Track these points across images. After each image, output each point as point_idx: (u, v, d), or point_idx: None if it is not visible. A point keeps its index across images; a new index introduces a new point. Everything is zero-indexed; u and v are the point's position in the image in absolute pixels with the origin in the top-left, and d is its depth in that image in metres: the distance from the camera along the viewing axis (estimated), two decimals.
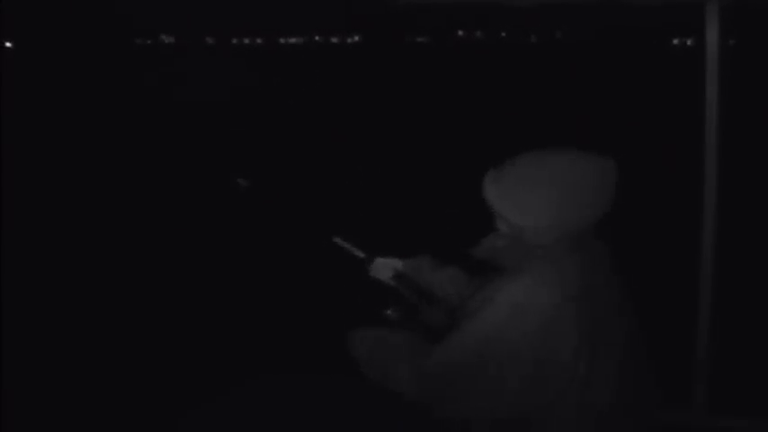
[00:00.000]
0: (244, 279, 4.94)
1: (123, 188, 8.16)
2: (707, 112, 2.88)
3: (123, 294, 4.71)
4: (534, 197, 1.66)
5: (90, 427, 3.31)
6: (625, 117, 14.47)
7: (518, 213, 1.68)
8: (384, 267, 2.18)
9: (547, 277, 1.66)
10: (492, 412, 1.71)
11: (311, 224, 2.23)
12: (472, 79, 26.95)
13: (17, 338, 3.84)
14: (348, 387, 3.54)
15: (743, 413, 3.08)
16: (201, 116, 15.42)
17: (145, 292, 4.77)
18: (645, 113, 14.68)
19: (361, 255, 2.21)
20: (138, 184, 8.46)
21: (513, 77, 27.46)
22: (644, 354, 1.82)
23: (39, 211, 6.96)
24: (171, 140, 11.70)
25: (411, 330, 1.96)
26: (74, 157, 10.27)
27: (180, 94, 21.21)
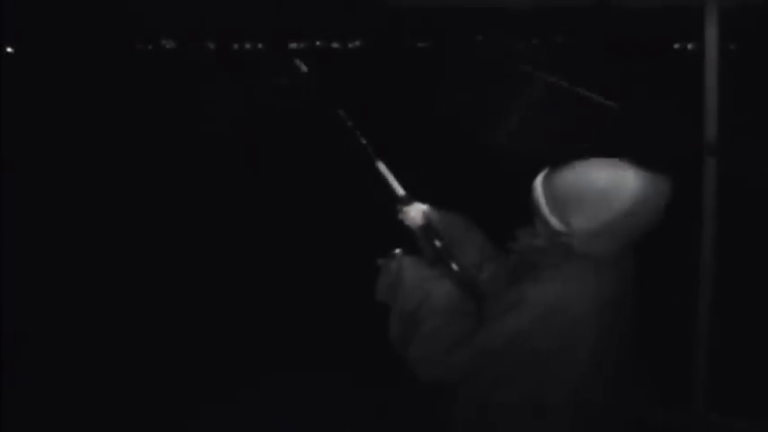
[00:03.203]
0: (249, 281, 4.94)
1: (124, 192, 8.15)
2: (706, 114, 2.89)
3: (126, 295, 4.71)
4: (584, 208, 1.66)
5: (90, 429, 3.32)
6: (626, 119, 14.43)
7: (565, 221, 1.69)
8: (418, 213, 2.09)
9: (585, 285, 1.69)
10: (502, 401, 1.77)
11: (359, 139, 2.10)
12: (474, 83, 26.87)
13: (18, 340, 3.85)
14: (353, 387, 3.56)
15: (742, 414, 3.09)
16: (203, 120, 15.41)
17: (147, 292, 4.77)
18: (645, 114, 14.64)
19: (401, 191, 2.10)
20: (138, 187, 8.45)
21: (514, 81, 27.37)
22: (633, 357, 1.85)
23: (40, 213, 6.95)
24: (172, 145, 11.69)
25: None
26: (74, 161, 10.26)
27: (182, 98, 21.19)
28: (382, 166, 2.10)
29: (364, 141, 2.11)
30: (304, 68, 2.19)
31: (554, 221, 1.70)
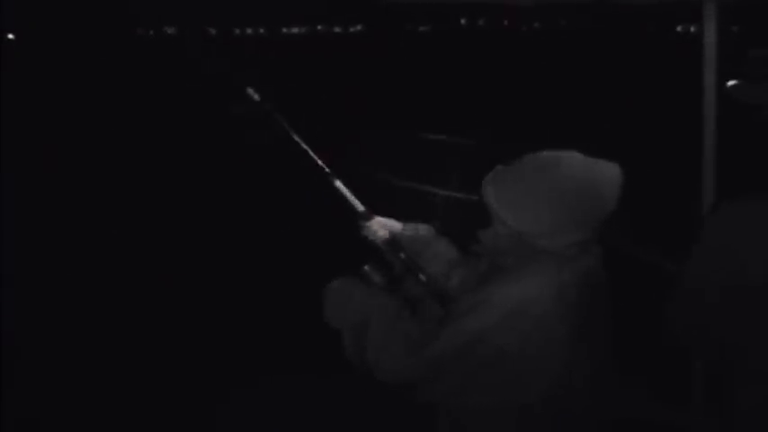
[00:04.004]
0: (246, 281, 4.94)
1: (123, 183, 8.15)
2: (705, 110, 2.88)
3: (125, 295, 4.71)
4: (537, 203, 1.65)
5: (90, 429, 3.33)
6: (628, 106, 14.42)
7: (520, 219, 1.68)
8: (380, 228, 2.08)
9: (549, 283, 1.67)
10: (473, 404, 1.74)
11: (315, 159, 2.07)
12: (475, 68, 26.84)
13: (18, 340, 3.85)
14: (342, 388, 3.56)
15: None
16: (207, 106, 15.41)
17: (147, 292, 4.77)
18: (648, 102, 14.62)
19: (360, 207, 2.09)
20: (137, 178, 8.44)
21: (516, 65, 27.34)
22: (612, 355, 1.84)
23: (39, 202, 6.97)
24: (173, 134, 11.68)
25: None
26: (75, 150, 10.25)
27: (183, 84, 21.19)
28: (340, 184, 2.08)
29: (320, 162, 2.09)
30: (257, 97, 2.18)
31: (509, 220, 1.69)
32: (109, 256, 5.55)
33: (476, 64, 28.84)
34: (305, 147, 2.10)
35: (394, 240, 2.06)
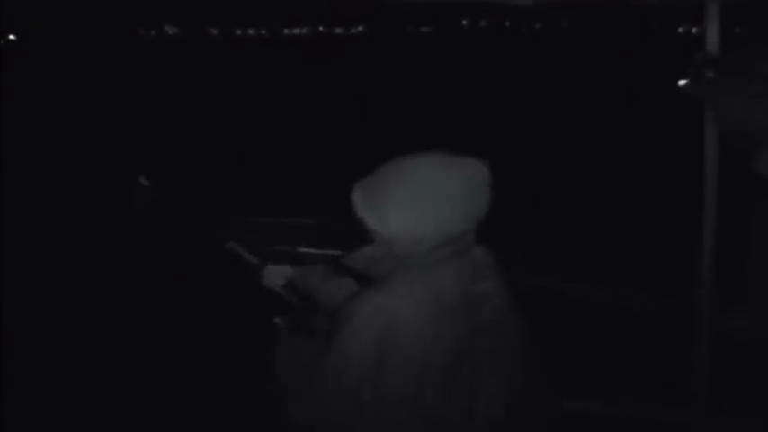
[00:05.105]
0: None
1: (123, 183, 8.11)
2: (706, 112, 2.87)
3: (125, 295, 4.70)
4: (398, 207, 1.61)
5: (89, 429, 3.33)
6: (630, 105, 14.44)
7: (384, 224, 1.63)
8: (275, 275, 2.15)
9: (414, 289, 1.63)
10: None
11: (209, 227, 2.19)
12: (477, 69, 26.87)
13: (18, 340, 3.85)
14: None
15: (742, 413, 3.08)
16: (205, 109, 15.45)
17: (147, 291, 4.76)
18: (651, 101, 14.63)
19: (254, 261, 2.18)
20: (137, 178, 8.41)
21: (518, 67, 27.37)
22: (534, 360, 1.80)
23: (39, 202, 6.97)
24: (172, 134, 11.68)
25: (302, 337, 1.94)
26: (75, 150, 10.25)
27: (184, 85, 21.24)
28: (232, 244, 2.18)
29: (209, 230, 2.19)
30: (146, 182, 2.29)
31: (375, 226, 1.65)
32: (108, 256, 5.54)
33: (478, 66, 28.85)
34: (188, 223, 2.24)
35: (289, 284, 2.13)
